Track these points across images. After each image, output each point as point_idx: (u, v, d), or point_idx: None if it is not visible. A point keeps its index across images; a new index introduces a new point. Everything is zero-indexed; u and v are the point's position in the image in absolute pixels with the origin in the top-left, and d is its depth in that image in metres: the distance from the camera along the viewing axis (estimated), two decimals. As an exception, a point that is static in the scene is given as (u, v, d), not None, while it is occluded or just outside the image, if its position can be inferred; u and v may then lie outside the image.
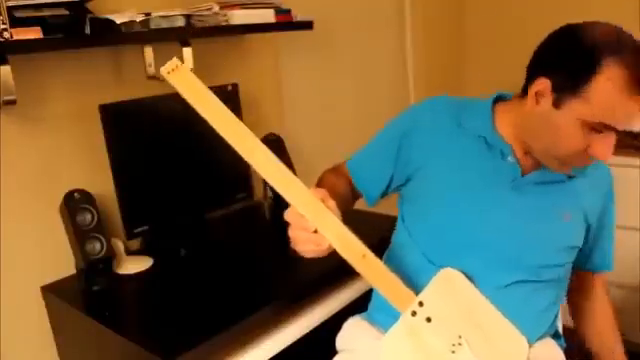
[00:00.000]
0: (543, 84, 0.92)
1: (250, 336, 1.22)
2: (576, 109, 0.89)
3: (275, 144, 1.71)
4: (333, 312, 1.34)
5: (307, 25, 1.68)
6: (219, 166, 1.65)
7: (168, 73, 0.84)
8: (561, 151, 0.94)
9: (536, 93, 0.93)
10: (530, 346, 0.97)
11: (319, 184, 1.11)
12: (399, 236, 1.12)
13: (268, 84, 1.93)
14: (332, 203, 0.84)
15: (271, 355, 1.22)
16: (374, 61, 2.40)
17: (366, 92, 2.37)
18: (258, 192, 1.79)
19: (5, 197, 1.33)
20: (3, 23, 1.11)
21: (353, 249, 0.86)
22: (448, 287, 0.95)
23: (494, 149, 1.02)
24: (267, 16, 1.62)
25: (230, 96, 1.63)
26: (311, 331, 1.29)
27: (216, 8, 1.50)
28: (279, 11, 1.65)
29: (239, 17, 1.55)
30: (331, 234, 0.84)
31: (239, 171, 1.70)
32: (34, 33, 1.16)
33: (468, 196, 1.02)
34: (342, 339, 1.17)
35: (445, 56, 2.76)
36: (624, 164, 1.99)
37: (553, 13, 2.43)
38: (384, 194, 1.15)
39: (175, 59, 0.84)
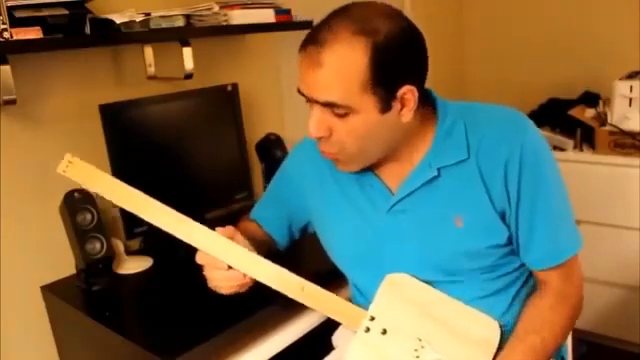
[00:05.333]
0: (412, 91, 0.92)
1: (249, 336, 1.22)
2: None
3: (275, 144, 1.71)
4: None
5: (307, 25, 1.68)
6: (219, 166, 1.65)
7: (64, 171, 0.86)
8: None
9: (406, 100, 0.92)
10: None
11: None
12: None
13: (268, 84, 1.93)
14: (240, 238, 0.91)
15: (270, 355, 1.22)
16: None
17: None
18: (258, 192, 1.79)
19: (5, 197, 1.33)
20: (3, 23, 1.11)
21: (290, 285, 0.89)
22: (396, 293, 0.93)
23: (362, 181, 1.00)
24: (267, 16, 1.62)
25: (230, 96, 1.63)
26: (310, 331, 1.29)
27: (216, 8, 1.50)
28: (279, 11, 1.65)
29: (239, 17, 1.55)
30: (265, 277, 0.89)
31: (239, 171, 1.70)
32: (34, 33, 1.16)
33: (353, 236, 1.00)
34: (337, 336, 1.18)
35: (445, 56, 2.75)
36: (624, 164, 1.99)
37: (553, 13, 2.46)
38: (293, 234, 1.15)
39: (67, 155, 0.86)
